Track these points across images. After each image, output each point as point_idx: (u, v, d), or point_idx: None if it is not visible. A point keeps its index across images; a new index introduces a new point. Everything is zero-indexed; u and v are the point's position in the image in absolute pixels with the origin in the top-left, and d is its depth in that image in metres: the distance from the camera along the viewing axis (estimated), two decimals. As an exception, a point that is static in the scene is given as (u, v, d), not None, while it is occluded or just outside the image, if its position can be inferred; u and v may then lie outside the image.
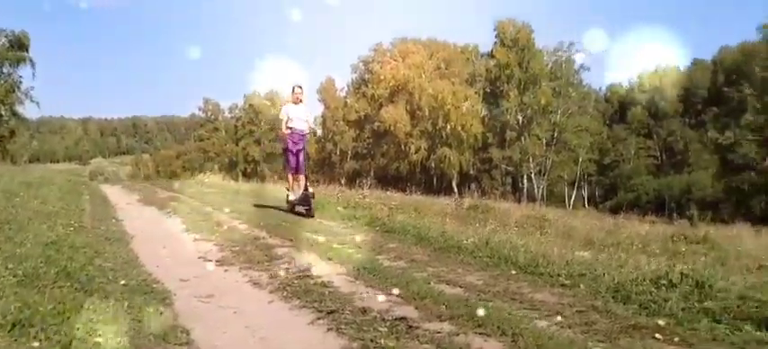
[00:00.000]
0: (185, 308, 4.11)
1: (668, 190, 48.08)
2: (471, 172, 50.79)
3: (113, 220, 8.94)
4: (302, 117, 9.54)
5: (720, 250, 9.31)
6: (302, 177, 9.40)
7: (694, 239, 10.77)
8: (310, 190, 9.31)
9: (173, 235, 7.74)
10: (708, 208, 35.50)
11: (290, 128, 9.36)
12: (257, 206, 10.69)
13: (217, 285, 4.84)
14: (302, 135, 9.45)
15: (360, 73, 58.27)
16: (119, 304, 3.83)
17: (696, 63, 65.53)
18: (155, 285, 4.63)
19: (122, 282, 4.56)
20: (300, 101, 9.63)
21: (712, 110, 45.47)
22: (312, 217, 8.96)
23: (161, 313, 3.80)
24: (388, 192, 22.95)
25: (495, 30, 50.62)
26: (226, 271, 5.43)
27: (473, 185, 44.21)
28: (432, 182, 49.27)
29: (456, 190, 43.12)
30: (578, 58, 50.73)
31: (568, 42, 50.80)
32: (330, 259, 5.65)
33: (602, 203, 51.98)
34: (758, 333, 3.33)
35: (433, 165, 49.12)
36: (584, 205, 51.51)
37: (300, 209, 9.45)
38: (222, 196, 14.00)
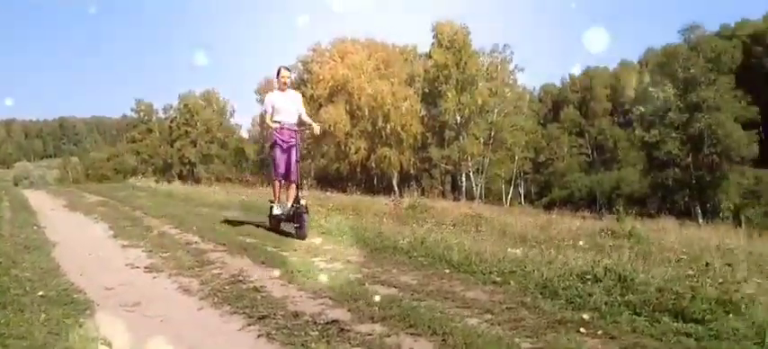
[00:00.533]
0: (108, 318, 3.94)
1: (599, 186, 50.01)
2: (411, 171, 51.20)
3: (35, 227, 8.52)
4: (291, 107, 7.50)
5: (645, 244, 9.74)
6: (294, 186, 7.40)
7: (621, 234, 11.22)
8: (303, 202, 7.08)
9: (99, 241, 7.44)
10: (636, 203, 37.08)
11: (278, 121, 7.35)
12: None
13: (144, 293, 4.68)
14: (293, 130, 7.39)
15: (298, 73, 57.72)
16: (34, 316, 3.65)
17: (623, 64, 68.62)
18: (76, 295, 4.43)
19: (40, 293, 4.34)
20: (287, 86, 7.59)
21: (639, 109, 47.49)
22: (304, 238, 6.92)
23: (81, 325, 3.63)
24: (327, 193, 22.85)
25: (432, 31, 51.21)
26: (154, 278, 5.26)
27: (413, 184, 44.65)
28: (372, 182, 49.41)
29: (396, 189, 43.35)
30: (513, 59, 51.88)
31: (504, 44, 51.95)
32: (263, 263, 5.56)
33: (538, 200, 53.53)
34: (675, 324, 3.48)
35: (373, 164, 49.23)
36: (520, 202, 52.89)
37: (288, 227, 7.48)
38: (154, 200, 13.56)
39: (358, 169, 49.94)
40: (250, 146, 66.37)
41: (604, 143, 61.14)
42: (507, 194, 54.01)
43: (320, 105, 48.90)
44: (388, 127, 47.98)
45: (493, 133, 50.49)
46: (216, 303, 4.28)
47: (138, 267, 5.66)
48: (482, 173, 50.60)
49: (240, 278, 4.97)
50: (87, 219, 9.96)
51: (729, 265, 5.21)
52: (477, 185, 49.57)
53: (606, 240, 10.04)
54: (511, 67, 52.27)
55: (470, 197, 46.33)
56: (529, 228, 12.57)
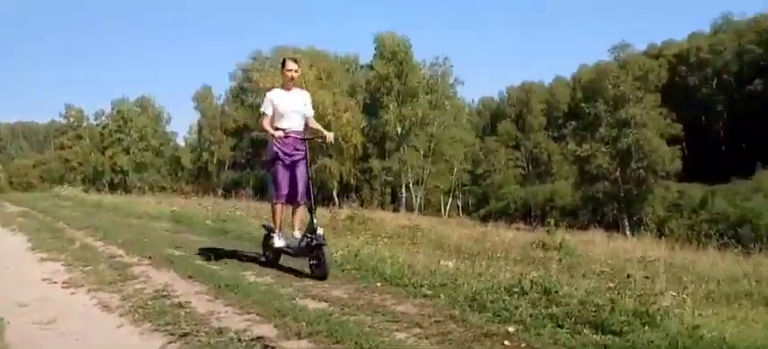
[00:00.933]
0: (19, 336, 3.74)
1: (534, 198, 51.41)
2: (352, 182, 51.17)
3: (-56, 240, 7.98)
4: (299, 108, 5.90)
5: (573, 255, 10.08)
6: (303, 211, 5.97)
7: (552, 246, 11.58)
8: (320, 231, 5.41)
9: (15, 254, 7.04)
10: (568, 215, 38.43)
11: (281, 128, 5.71)
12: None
13: (60, 309, 4.45)
14: (301, 138, 5.81)
15: (239, 81, 56.85)
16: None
17: (557, 79, 71.09)
18: (-16, 313, 4.16)
19: (-57, 312, 4.05)
20: (294, 83, 5.91)
21: (572, 123, 49.22)
22: (324, 277, 5.28)
23: (-14, 345, 3.41)
24: (265, 204, 22.45)
25: (375, 42, 51.56)
26: (72, 293, 5.02)
27: (353, 195, 44.58)
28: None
29: (336, 200, 43.20)
30: (453, 72, 52.83)
31: (444, 56, 52.81)
32: (190, 277, 5.39)
33: (475, 211, 54.53)
34: (595, 336, 3.58)
35: (313, 175, 48.80)
36: (458, 214, 53.74)
37: (298, 264, 5.82)
38: (80, 210, 12.98)
39: (298, 179, 49.44)
40: (186, 154, 64.69)
41: (539, 156, 63.04)
42: (446, 206, 54.77)
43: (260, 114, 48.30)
44: (329, 137, 47.80)
45: (433, 145, 51.15)
46: (136, 320, 4.10)
47: (55, 282, 5.38)
48: (422, 184, 51.13)
49: (164, 293, 4.80)
50: (4, 230, 9.42)
51: (649, 278, 5.41)
52: (416, 197, 50.03)
53: (537, 252, 10.33)
54: (451, 79, 53.20)
55: (410, 208, 46.74)
56: (464, 240, 12.78)
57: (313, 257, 5.45)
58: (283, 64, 5.97)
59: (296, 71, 5.87)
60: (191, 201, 18.39)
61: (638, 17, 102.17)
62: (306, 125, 6.02)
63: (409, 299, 4.61)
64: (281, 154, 5.74)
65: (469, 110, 64.08)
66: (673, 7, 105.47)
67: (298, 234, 5.80)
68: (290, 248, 5.76)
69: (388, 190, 53.99)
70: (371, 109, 51.73)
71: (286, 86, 5.91)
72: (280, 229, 5.90)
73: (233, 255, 6.64)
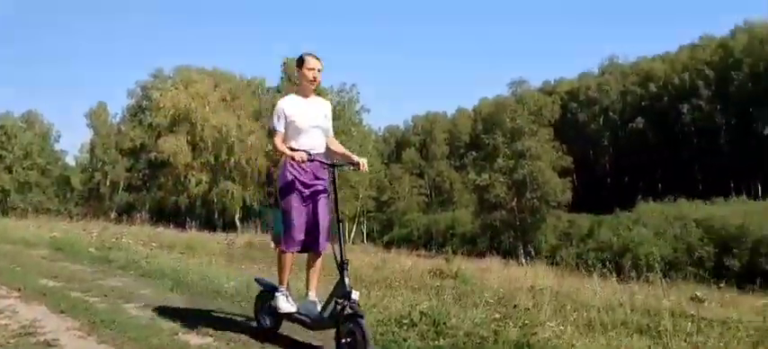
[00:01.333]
0: None
1: (435, 225, 52.64)
2: (255, 206, 50.08)
3: None
4: (320, 123, 4.34)
5: (468, 283, 10.37)
6: (319, 262, 4.34)
7: (449, 273, 11.86)
8: (356, 295, 3.80)
9: None
10: (468, 242, 39.66)
11: (299, 149, 4.15)
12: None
13: None
14: (327, 164, 4.24)
15: (137, 99, 54.39)
16: None
17: (460, 111, 73.82)
18: None
19: None
20: (315, 87, 4.36)
21: (473, 153, 51.08)
22: None
23: None
24: (160, 228, 21.49)
25: (282, 66, 51.17)
26: None
27: (257, 220, 43.58)
28: (213, 217, 47.46)
29: (239, 225, 42.03)
30: (359, 99, 53.34)
31: (351, 83, 53.29)
32: (63, 312, 4.98)
33: (380, 238, 54.99)
34: (477, 367, 3.66)
35: (214, 199, 47.38)
36: (362, 240, 53.94)
37: (310, 335, 4.40)
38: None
39: (198, 203, 47.74)
40: (76, 174, 60.79)
41: (442, 184, 64.84)
42: (350, 232, 54.80)
43: (159, 134, 46.36)
44: (233, 160, 46.64)
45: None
46: (-6, 361, 3.73)
47: None
48: (327, 210, 50.90)
49: (31, 330, 4.39)
50: None
51: (535, 307, 5.62)
52: (320, 222, 49.67)
53: (434, 280, 10.51)
54: (357, 107, 53.70)
55: (314, 234, 46.21)
56: (365, 268, 12.78)
57: (345, 333, 3.70)
58: (301, 62, 4.29)
59: (319, 70, 4.27)
60: (76, 225, 17.20)
61: (534, 56, 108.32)
62: (326, 146, 4.40)
63: (305, 331, 4.50)
64: (297, 183, 4.15)
65: (375, 137, 64.89)
66: (564, 49, 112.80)
67: (313, 295, 4.26)
68: (307, 316, 4.11)
69: (294, 215, 53.27)
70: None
71: (304, 92, 4.32)
72: (286, 287, 4.23)
73: (114, 288, 6.22)
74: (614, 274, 8.84)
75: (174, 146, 44.58)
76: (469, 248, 31.50)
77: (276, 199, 4.39)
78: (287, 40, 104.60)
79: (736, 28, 53.09)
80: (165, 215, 38.91)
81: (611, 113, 59.67)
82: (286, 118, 4.20)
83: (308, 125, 4.21)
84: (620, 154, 58.05)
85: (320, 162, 4.17)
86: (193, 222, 37.91)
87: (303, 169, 4.16)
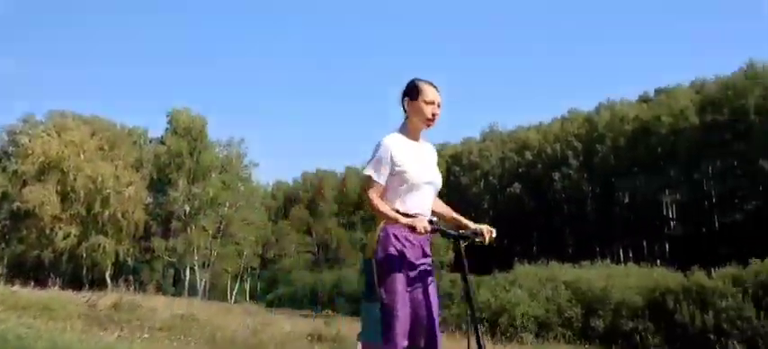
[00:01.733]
0: None
1: (321, 284, 52.13)
2: (129, 262, 47.15)
3: None
4: (433, 179, 3.18)
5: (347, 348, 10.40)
6: None
7: (329, 337, 11.78)
8: None
9: None
10: (355, 301, 39.54)
11: (422, 216, 3.02)
12: None
13: None
14: (447, 235, 3.07)
15: (2, 144, 50.08)
16: None
17: (349, 169, 74.81)
18: None
19: None
20: (430, 128, 3.17)
21: (361, 212, 51.72)
22: None
23: None
24: (15, 287, 19.54)
25: (167, 116, 49.64)
26: None
27: (131, 277, 40.98)
28: (80, 272, 44.02)
29: (110, 282, 39.26)
30: (248, 153, 52.85)
31: (239, 138, 52.65)
32: None
33: (263, 296, 53.57)
34: None
35: (83, 253, 44.04)
36: (245, 299, 52.26)
37: None
38: None
39: (65, 258, 44.14)
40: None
41: (329, 242, 64.70)
42: (232, 290, 53.02)
43: (25, 183, 42.80)
44: (107, 213, 43.87)
45: (222, 226, 49.75)
46: None
47: None
48: (208, 266, 49.06)
49: None
50: None
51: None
52: (201, 280, 47.72)
53: (313, 344, 10.43)
54: (245, 161, 52.96)
55: (193, 292, 44.32)
56: (241, 331, 12.39)
57: None
58: (416, 91, 3.11)
59: (439, 105, 3.12)
60: None
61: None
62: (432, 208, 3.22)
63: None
64: (404, 262, 2.97)
65: (264, 192, 63.97)
66: (450, 116, 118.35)
67: None
68: None
69: (172, 271, 50.77)
70: (158, 185, 49.09)
71: (414, 133, 3.16)
72: None
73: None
74: (489, 335, 9.24)
75: (40, 195, 41.29)
76: (355, 308, 31.45)
77: (372, 289, 2.98)
78: (174, 87, 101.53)
79: (599, 105, 58.78)
80: (25, 271, 35.62)
81: (491, 178, 62.99)
82: (393, 166, 2.99)
83: (421, 180, 3.06)
84: (499, 217, 61.12)
85: (442, 233, 2.99)
86: (58, 279, 34.91)
87: (411, 242, 3.01)
